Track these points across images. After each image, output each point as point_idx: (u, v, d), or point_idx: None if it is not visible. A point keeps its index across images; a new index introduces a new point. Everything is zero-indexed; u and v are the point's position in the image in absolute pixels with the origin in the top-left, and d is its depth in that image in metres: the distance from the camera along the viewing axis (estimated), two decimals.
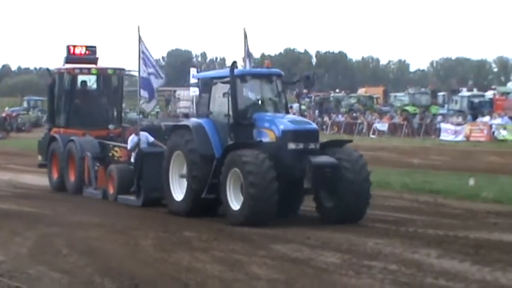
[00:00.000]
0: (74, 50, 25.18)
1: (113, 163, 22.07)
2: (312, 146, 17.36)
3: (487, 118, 53.02)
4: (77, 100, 24.99)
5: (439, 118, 58.53)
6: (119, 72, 25.44)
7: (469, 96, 61.66)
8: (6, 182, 27.03)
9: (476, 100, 60.76)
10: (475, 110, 57.73)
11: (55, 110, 25.23)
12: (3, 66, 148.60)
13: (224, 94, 18.07)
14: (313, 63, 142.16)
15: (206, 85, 18.64)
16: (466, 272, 12.27)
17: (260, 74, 19.82)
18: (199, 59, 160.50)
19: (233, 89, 17.85)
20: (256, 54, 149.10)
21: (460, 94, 64.17)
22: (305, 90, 51.02)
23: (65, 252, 14.32)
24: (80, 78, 25.10)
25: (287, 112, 19.08)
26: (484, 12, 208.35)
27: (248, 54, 22.86)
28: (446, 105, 65.22)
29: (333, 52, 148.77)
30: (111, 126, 24.62)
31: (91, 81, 25.58)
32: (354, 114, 66.23)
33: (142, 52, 21.77)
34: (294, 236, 15.54)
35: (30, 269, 12.85)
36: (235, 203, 16.99)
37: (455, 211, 19.32)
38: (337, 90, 75.46)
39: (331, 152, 17.46)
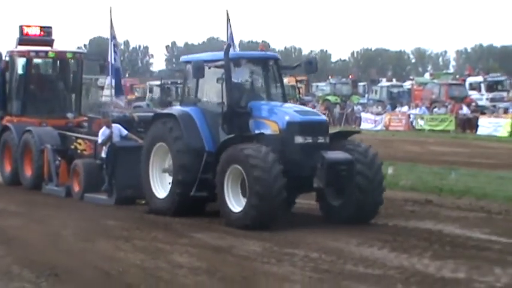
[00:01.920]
0: (27, 30, 22.84)
1: (77, 157, 19.94)
2: (321, 139, 15.46)
3: (405, 108, 54.00)
4: (33, 86, 22.69)
5: (360, 108, 59.31)
6: (79, 56, 23.21)
7: (388, 87, 62.75)
8: None
9: (395, 90, 61.91)
10: (394, 100, 58.76)
11: (7, 96, 22.89)
12: None
13: (218, 80, 16.12)
14: (237, 52, 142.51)
15: (199, 69, 16.13)
16: (384, 258, 12.43)
17: (256, 57, 17.90)
18: (122, 47, 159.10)
19: (228, 73, 16.06)
20: (180, 43, 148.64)
21: (379, 84, 65.28)
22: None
23: None
24: (36, 61, 23.05)
25: (285, 100, 17.21)
26: (403, 5, 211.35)
27: (231, 38, 21.90)
28: (366, 95, 66.19)
29: (256, 42, 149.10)
30: (69, 115, 22.42)
31: (48, 65, 23.81)
32: None
33: (113, 37, 20.56)
34: (216, 225, 15.51)
35: None
36: (234, 205, 15.08)
37: None
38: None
39: (340, 145, 15.62)
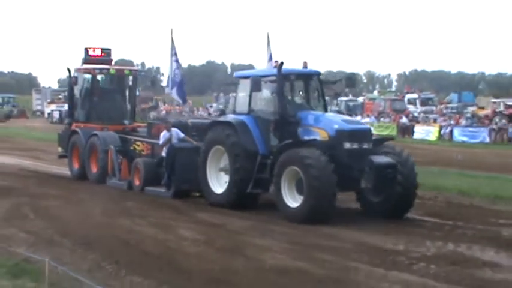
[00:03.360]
0: (91, 51, 21.67)
1: (136, 156, 18.60)
2: (365, 145, 13.95)
3: (358, 118, 53.92)
4: (96, 97, 21.19)
5: None
6: (134, 73, 22.03)
7: (346, 101, 62.75)
8: None
9: (351, 103, 61.93)
10: (350, 111, 58.66)
11: (74, 106, 21.54)
12: None
13: (272, 93, 14.93)
14: (228, 72, 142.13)
15: (257, 84, 14.63)
16: (342, 234, 12.42)
17: (303, 73, 15.84)
18: (139, 67, 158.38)
19: (280, 87, 14.66)
20: (184, 64, 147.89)
21: (339, 99, 65.15)
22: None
23: (31, 217, 14.02)
24: (99, 77, 21.42)
25: (326, 110, 15.56)
26: (357, 37, 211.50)
27: (270, 58, 21.07)
28: (329, 107, 66.07)
29: (244, 64, 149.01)
30: (126, 122, 21.07)
31: (109, 80, 21.98)
32: None
33: (175, 54, 19.96)
34: (213, 206, 15.32)
35: (4, 231, 12.55)
36: (291, 201, 13.58)
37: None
38: None
39: (378, 149, 14.16)
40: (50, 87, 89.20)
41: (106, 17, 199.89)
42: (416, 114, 51.29)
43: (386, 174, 13.63)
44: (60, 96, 72.59)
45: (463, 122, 44.11)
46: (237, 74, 16.67)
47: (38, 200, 16.26)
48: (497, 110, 46.14)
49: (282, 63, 14.90)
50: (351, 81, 16.06)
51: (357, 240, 11.85)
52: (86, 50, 21.72)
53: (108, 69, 21.43)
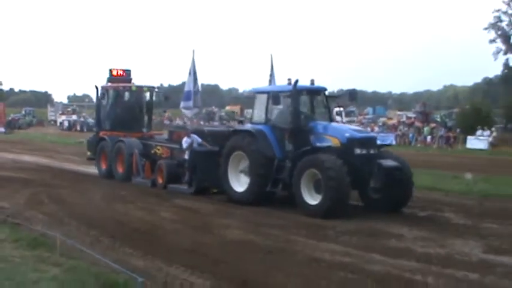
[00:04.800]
0: (114, 72, 20.45)
1: (157, 159, 17.16)
2: (372, 151, 12.67)
3: None
4: (119, 110, 20.02)
5: None
6: (151, 89, 20.53)
7: None
8: (10, 159, 25.23)
9: None
10: None
11: (102, 117, 20.15)
12: (10, 88, 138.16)
13: (289, 106, 13.54)
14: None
15: (276, 98, 13.37)
16: (288, 215, 12.40)
17: (312, 89, 14.24)
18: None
19: (295, 101, 13.41)
20: (165, 84, 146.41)
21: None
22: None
23: (46, 202, 13.72)
24: (122, 93, 20.22)
25: (331, 121, 14.18)
26: (310, 63, 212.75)
27: (273, 77, 19.60)
28: None
29: (210, 84, 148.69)
30: (144, 130, 19.86)
31: (130, 95, 20.65)
32: (223, 122, 66.52)
33: (193, 72, 19.49)
34: (188, 195, 15.17)
35: (25, 213, 12.31)
36: (310, 199, 12.26)
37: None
38: (213, 107, 75.35)
39: (383, 155, 12.85)
40: (61, 102, 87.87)
41: (103, 42, 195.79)
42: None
43: (395, 175, 12.39)
44: (69, 109, 71.47)
45: (376, 129, 44.82)
46: (254, 89, 15.15)
47: (52, 189, 15.93)
48: (401, 120, 47.03)
49: (297, 80, 13.54)
50: (353, 95, 14.49)
51: (296, 219, 11.88)
52: (111, 70, 20.78)
53: (130, 87, 20.44)
